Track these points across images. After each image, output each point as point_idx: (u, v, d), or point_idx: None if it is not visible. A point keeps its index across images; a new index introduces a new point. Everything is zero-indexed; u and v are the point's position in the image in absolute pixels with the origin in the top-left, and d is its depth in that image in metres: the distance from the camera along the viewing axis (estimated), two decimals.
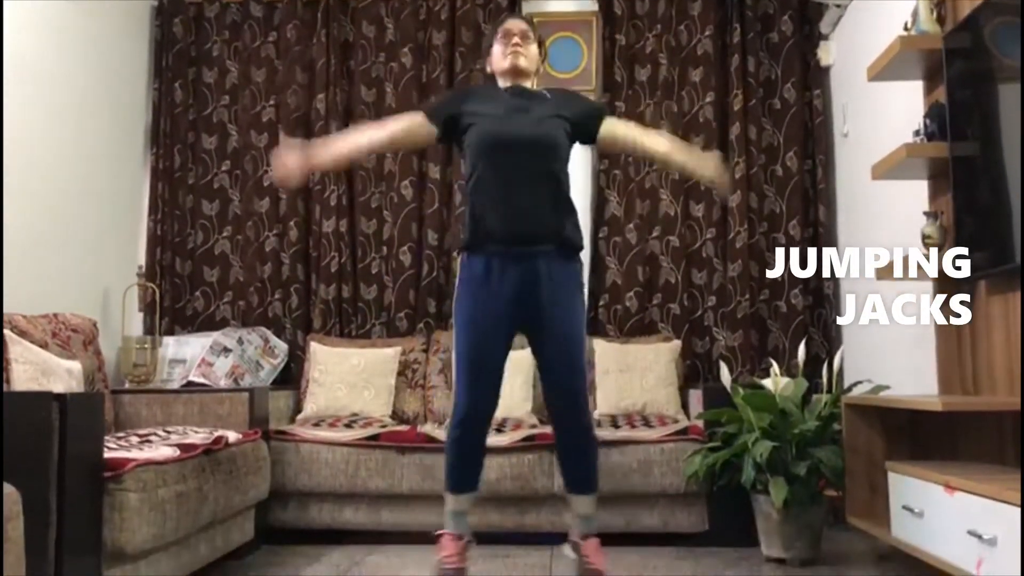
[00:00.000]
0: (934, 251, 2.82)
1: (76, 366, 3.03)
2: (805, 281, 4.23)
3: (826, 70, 4.33)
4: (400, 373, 4.12)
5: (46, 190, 3.58)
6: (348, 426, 3.74)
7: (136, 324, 4.29)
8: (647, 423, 3.67)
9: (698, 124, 4.34)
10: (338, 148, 2.76)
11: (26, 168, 3.42)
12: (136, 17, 4.46)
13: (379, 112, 4.45)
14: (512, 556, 3.30)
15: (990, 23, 2.48)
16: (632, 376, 3.92)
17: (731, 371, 4.08)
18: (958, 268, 2.64)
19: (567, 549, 2.70)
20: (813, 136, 4.31)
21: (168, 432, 3.02)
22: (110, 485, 2.31)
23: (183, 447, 2.69)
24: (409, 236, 4.38)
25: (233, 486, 2.97)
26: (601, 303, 4.30)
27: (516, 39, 2.72)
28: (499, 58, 2.74)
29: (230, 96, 4.54)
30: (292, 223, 4.41)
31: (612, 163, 4.36)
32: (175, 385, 3.92)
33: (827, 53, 4.27)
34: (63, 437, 2.12)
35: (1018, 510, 1.90)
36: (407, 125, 2.77)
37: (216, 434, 2.98)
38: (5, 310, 3.02)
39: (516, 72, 2.73)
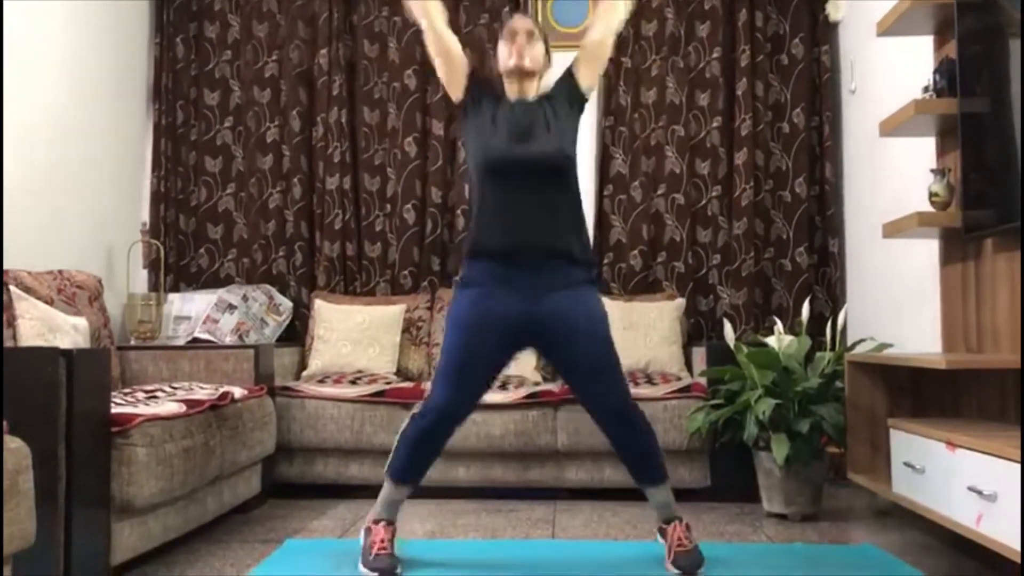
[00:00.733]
0: (941, 209, 2.81)
1: (82, 322, 3.04)
2: (810, 239, 4.22)
3: (834, 25, 4.28)
4: (405, 330, 4.13)
5: (48, 147, 3.57)
6: (353, 383, 3.76)
7: (141, 281, 4.30)
8: (650, 381, 3.69)
9: (704, 80, 4.30)
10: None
11: (28, 125, 3.41)
12: None
13: (382, 67, 4.41)
14: (516, 511, 3.34)
15: None
16: (636, 334, 3.93)
17: (735, 329, 4.09)
18: (965, 226, 2.63)
19: (658, 538, 2.63)
20: (820, 93, 4.27)
21: (174, 388, 3.04)
22: (118, 440, 2.33)
23: (189, 403, 2.71)
24: (413, 193, 4.36)
25: (239, 441, 3.00)
26: (606, 261, 4.29)
27: (521, 38, 2.62)
28: (504, 58, 2.64)
29: (232, 51, 4.50)
30: (296, 180, 4.39)
31: (617, 120, 4.33)
32: (180, 342, 3.94)
33: (836, 8, 4.21)
34: (70, 392, 2.13)
35: (1017, 465, 1.92)
36: (456, 52, 2.64)
37: (222, 390, 3.00)
38: (11, 267, 3.03)
39: (521, 73, 2.62)
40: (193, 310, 4.07)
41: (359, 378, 3.84)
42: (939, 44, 3.01)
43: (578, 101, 2.67)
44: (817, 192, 4.26)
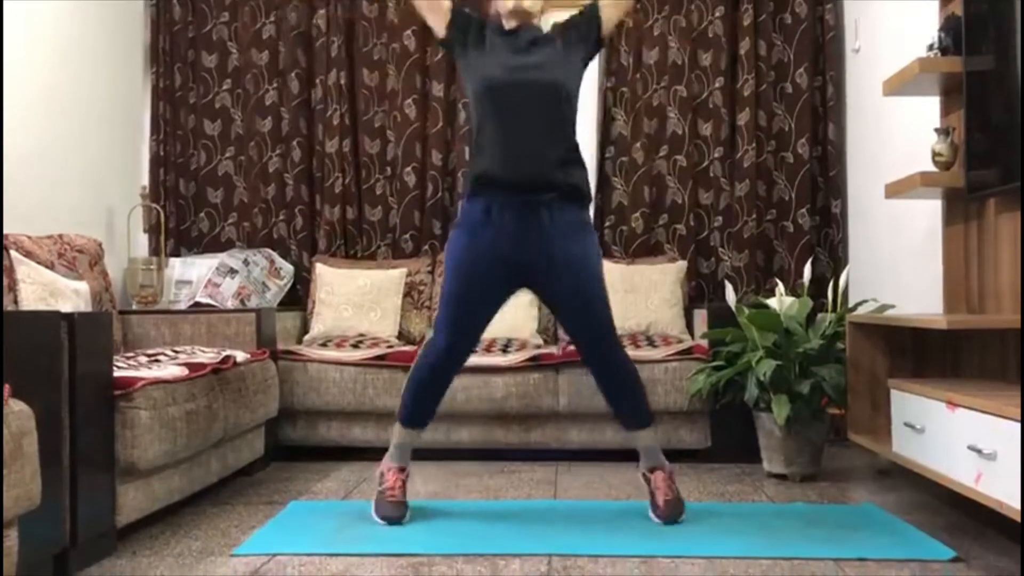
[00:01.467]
0: (944, 169, 2.79)
1: (83, 286, 3.04)
2: (812, 200, 4.20)
3: None
4: (406, 294, 4.14)
5: (46, 110, 3.55)
6: (355, 346, 3.77)
7: (141, 246, 4.29)
8: (651, 343, 3.70)
9: (707, 40, 4.25)
10: None
11: (24, 89, 3.38)
12: None
13: (380, 28, 4.37)
14: (518, 472, 3.36)
15: None
16: (637, 297, 3.93)
17: (736, 291, 4.09)
18: (968, 185, 2.62)
19: (641, 479, 2.67)
20: (824, 52, 4.23)
21: (176, 352, 3.05)
22: (121, 403, 2.34)
23: (192, 366, 2.72)
24: (413, 156, 4.34)
25: (242, 404, 3.01)
26: (607, 224, 4.28)
27: None
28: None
29: (229, 12, 4.45)
30: (295, 143, 4.37)
31: (619, 81, 4.29)
32: (182, 306, 3.94)
33: None
34: (72, 356, 2.14)
35: (1017, 424, 1.92)
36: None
37: (224, 354, 3.01)
38: (10, 231, 3.02)
39: (520, 14, 2.61)
40: (194, 274, 4.07)
41: (361, 342, 3.85)
42: (944, 1, 2.97)
43: (593, 40, 2.65)
44: (820, 153, 4.23)
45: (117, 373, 2.40)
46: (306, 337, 4.01)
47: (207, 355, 2.98)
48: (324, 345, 3.80)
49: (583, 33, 2.64)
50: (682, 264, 4.07)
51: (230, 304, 3.91)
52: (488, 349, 3.60)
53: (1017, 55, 2.34)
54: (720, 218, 4.23)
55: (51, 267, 3.02)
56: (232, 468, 3.07)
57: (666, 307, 3.93)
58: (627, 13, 2.72)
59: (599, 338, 2.56)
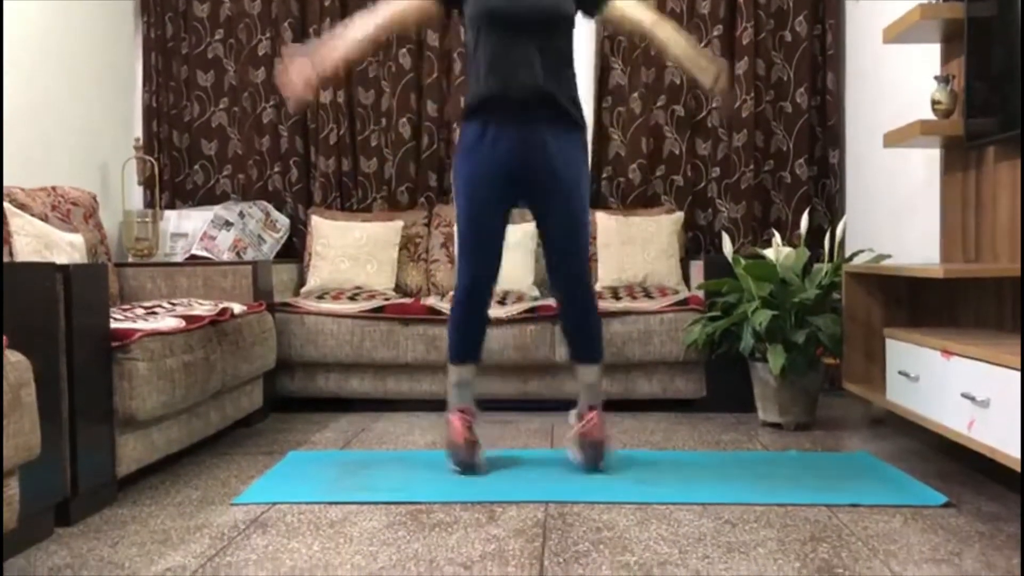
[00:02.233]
0: (943, 117, 2.77)
1: (78, 239, 3.03)
2: (810, 151, 4.18)
3: None
4: (402, 247, 4.13)
5: (36, 61, 3.50)
6: (352, 299, 3.77)
7: (136, 198, 4.27)
8: (648, 294, 3.70)
9: None
10: (346, 46, 2.56)
11: (14, 40, 3.33)
12: None
13: None
14: (515, 422, 3.39)
15: None
16: (634, 248, 3.93)
17: (733, 242, 4.09)
18: (967, 133, 2.60)
19: (571, 418, 2.74)
20: (824, 0, 4.17)
21: (173, 304, 3.05)
22: (118, 355, 2.35)
23: (189, 318, 2.72)
24: (408, 107, 4.30)
25: (240, 356, 3.02)
26: (604, 175, 4.26)
27: None
28: None
29: None
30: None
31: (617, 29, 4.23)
32: (178, 259, 3.93)
33: None
34: (69, 308, 2.14)
35: (1013, 372, 1.93)
36: (414, 6, 2.61)
37: (221, 306, 3.01)
38: (3, 184, 3.00)
39: None
40: (189, 227, 4.05)
41: (358, 294, 3.86)
42: None
43: (586, 7, 2.64)
44: (818, 102, 4.20)
45: (114, 325, 2.40)
46: (303, 289, 4.01)
47: (204, 307, 2.98)
48: (321, 298, 3.81)
49: None
50: (679, 215, 4.06)
51: (226, 257, 3.90)
52: None
53: (1019, 1, 2.31)
54: (717, 169, 4.21)
55: (45, 219, 3.00)
56: (231, 419, 3.09)
57: (663, 258, 3.92)
58: (624, 28, 2.73)
59: (574, 259, 2.61)
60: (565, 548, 1.95)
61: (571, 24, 2.61)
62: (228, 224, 4.02)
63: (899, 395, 2.58)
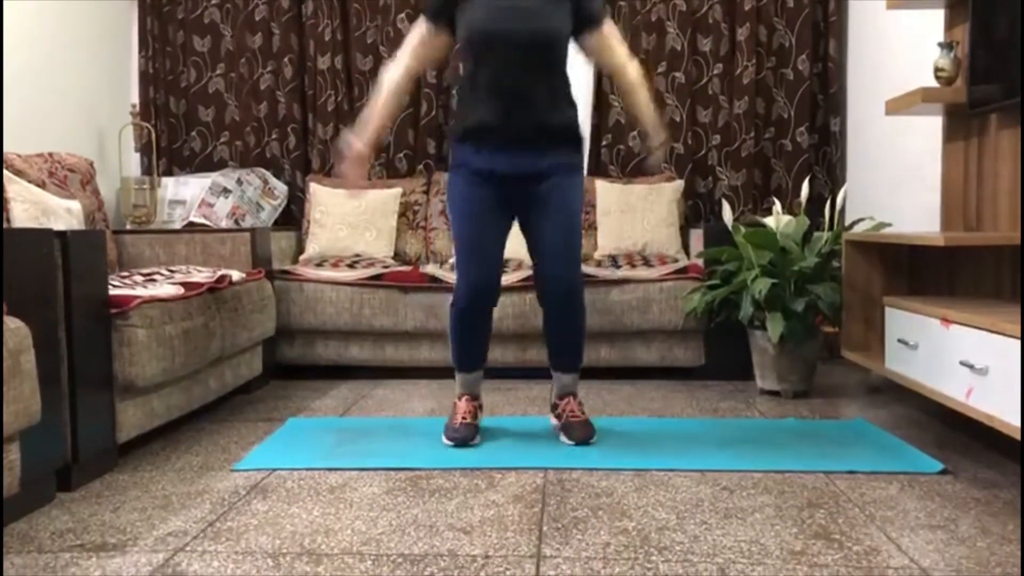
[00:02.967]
0: (946, 84, 2.75)
1: (76, 205, 3.02)
2: (811, 118, 4.15)
3: None
4: (401, 214, 4.12)
5: (31, 26, 3.46)
6: (351, 266, 3.76)
7: (133, 165, 4.25)
8: (647, 262, 3.70)
9: None
10: (381, 115, 2.57)
11: (9, 5, 3.29)
12: None
13: None
14: (514, 389, 3.40)
15: None
16: (633, 216, 3.92)
17: (733, 210, 4.08)
18: (970, 101, 2.58)
19: (551, 419, 2.72)
20: None
21: (172, 271, 3.05)
22: (117, 321, 2.35)
23: (188, 285, 2.72)
24: None
25: (239, 323, 3.02)
26: (604, 143, 4.24)
27: None
28: None
29: None
30: (286, 60, 4.29)
31: None
32: (176, 226, 3.92)
33: None
34: (67, 274, 2.13)
35: (1012, 340, 1.93)
36: (419, 44, 2.58)
37: (220, 273, 3.00)
38: None
39: None
40: (187, 194, 4.03)
41: (357, 262, 3.85)
42: None
43: (577, 23, 2.55)
44: (820, 69, 4.17)
45: (113, 292, 2.40)
46: (302, 257, 4.00)
47: (203, 274, 2.98)
48: (320, 265, 3.80)
49: (577, 10, 2.54)
50: (679, 183, 4.04)
51: (224, 224, 3.89)
52: None
53: None
54: (718, 136, 4.19)
55: (42, 186, 2.99)
56: (231, 386, 3.10)
57: (662, 226, 3.91)
58: (596, 60, 2.70)
59: (564, 279, 2.55)
60: (564, 514, 1.96)
61: (565, 41, 2.53)
62: (226, 191, 4.00)
63: (898, 363, 2.58)
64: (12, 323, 1.84)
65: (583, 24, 2.56)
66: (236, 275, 3.11)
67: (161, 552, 1.76)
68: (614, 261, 3.77)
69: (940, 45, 2.77)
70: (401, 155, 4.29)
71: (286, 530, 1.88)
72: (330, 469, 2.33)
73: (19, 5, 3.38)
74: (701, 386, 3.44)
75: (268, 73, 4.32)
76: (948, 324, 2.25)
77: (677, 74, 4.18)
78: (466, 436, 2.56)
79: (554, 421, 2.71)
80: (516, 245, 3.85)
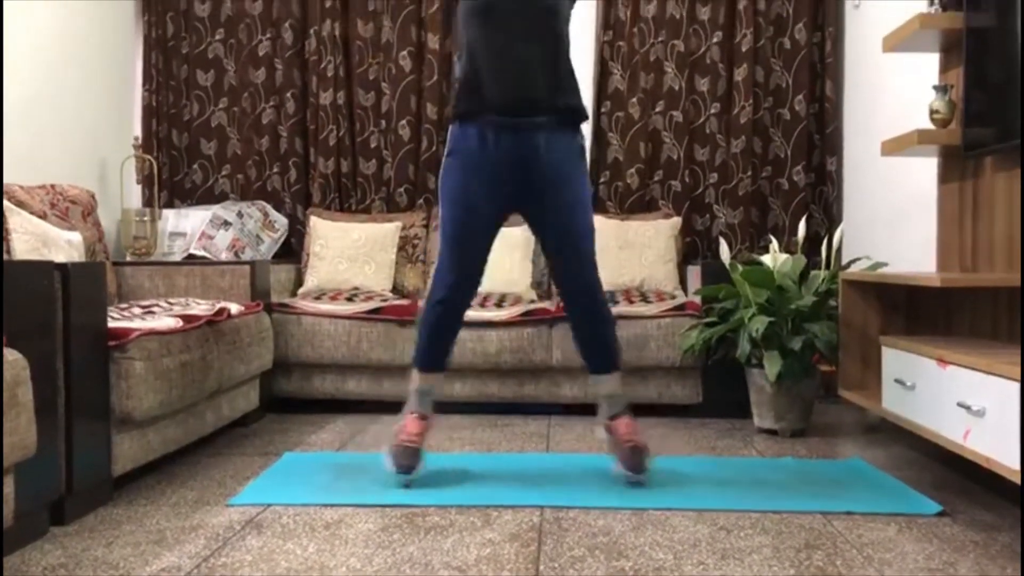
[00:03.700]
0: (941, 127, 2.78)
1: (76, 237, 3.03)
2: (808, 158, 4.19)
3: None
4: (401, 248, 4.13)
5: (37, 59, 3.50)
6: (349, 300, 3.77)
7: (135, 197, 4.27)
8: (645, 299, 3.71)
9: None
10: None
11: (15, 37, 3.33)
12: None
13: None
14: (511, 425, 3.39)
15: None
16: (631, 252, 3.94)
17: (730, 248, 4.09)
18: (965, 143, 2.61)
19: (599, 432, 2.63)
20: (823, 7, 4.18)
21: (171, 303, 3.05)
22: (115, 354, 2.35)
23: (186, 318, 2.72)
24: (408, 109, 4.30)
25: (237, 356, 3.02)
26: (602, 179, 4.27)
27: None
28: None
29: None
30: (289, 95, 4.33)
31: (616, 35, 4.25)
32: (176, 258, 3.93)
33: None
34: (66, 306, 2.14)
35: (1008, 382, 1.94)
36: None
37: (219, 306, 3.01)
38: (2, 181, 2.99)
39: None
40: (188, 226, 4.05)
41: (355, 295, 3.86)
42: None
43: None
44: (817, 110, 4.21)
45: (111, 324, 2.40)
46: (300, 290, 4.01)
47: (201, 307, 2.98)
48: (318, 298, 3.81)
49: None
50: (677, 220, 4.06)
51: (224, 256, 3.90)
52: (483, 304, 3.61)
53: (1018, 12, 2.32)
54: (715, 175, 4.22)
55: (44, 217, 3.00)
56: (227, 419, 3.09)
57: (660, 263, 3.93)
58: None
59: (580, 268, 2.51)
60: (560, 553, 1.95)
61: (567, 19, 2.54)
62: (226, 224, 4.02)
63: (895, 403, 2.58)
64: (10, 355, 1.84)
65: None
66: (235, 308, 3.12)
67: None
68: (612, 297, 3.78)
69: (935, 88, 2.80)
70: (401, 189, 4.32)
71: (280, 567, 1.86)
72: (326, 505, 2.32)
73: (27, 38, 3.42)
74: (699, 424, 3.44)
75: (270, 107, 4.36)
76: (944, 365, 2.25)
77: (675, 113, 4.22)
78: (411, 464, 2.47)
79: (602, 435, 2.60)
80: (516, 276, 3.88)
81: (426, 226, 4.20)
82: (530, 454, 2.92)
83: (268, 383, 3.57)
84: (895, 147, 2.89)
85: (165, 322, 2.60)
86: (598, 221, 3.99)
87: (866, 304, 3.00)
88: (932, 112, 2.79)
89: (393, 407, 3.64)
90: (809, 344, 3.12)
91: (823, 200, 4.20)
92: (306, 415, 3.58)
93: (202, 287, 3.46)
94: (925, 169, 3.16)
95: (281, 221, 4.26)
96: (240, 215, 4.08)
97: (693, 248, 4.26)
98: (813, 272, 3.33)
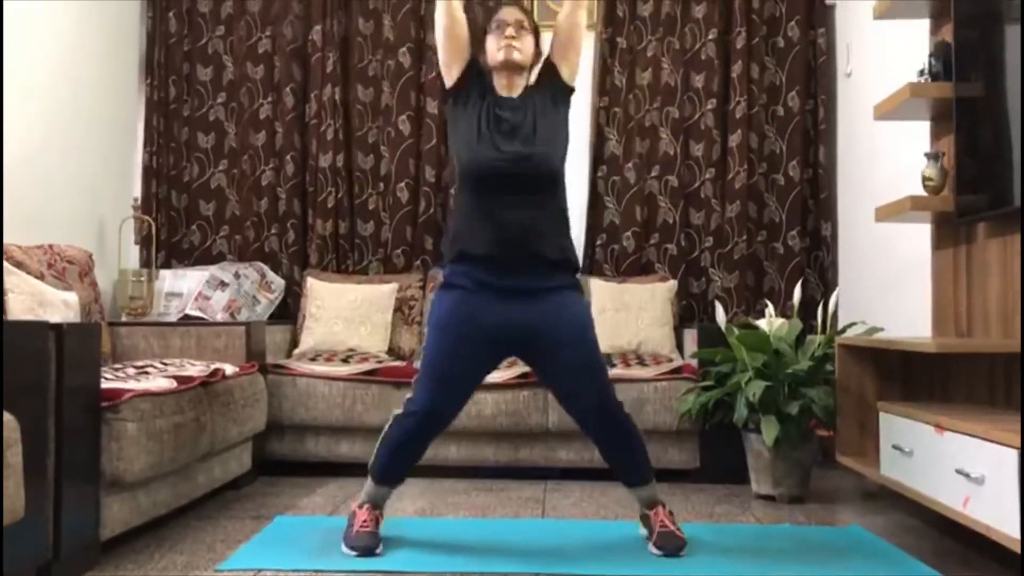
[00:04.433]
0: (934, 193, 2.81)
1: (72, 297, 3.03)
2: (803, 223, 4.22)
3: (831, 8, 4.27)
4: (397, 309, 4.13)
5: (40, 120, 3.54)
6: (344, 361, 3.76)
7: (132, 257, 4.28)
8: (641, 362, 3.70)
9: (700, 61, 4.29)
10: None
11: (19, 98, 3.37)
12: None
13: (376, 45, 4.39)
14: (507, 490, 3.35)
15: None
16: (628, 315, 3.94)
17: (726, 312, 4.10)
18: (958, 210, 2.64)
19: (640, 528, 2.57)
20: (816, 76, 4.26)
21: (165, 364, 3.04)
22: (108, 415, 2.33)
23: (180, 379, 2.71)
24: (407, 172, 4.35)
25: (230, 418, 3.00)
26: (599, 242, 4.29)
27: (510, 30, 2.51)
28: (492, 52, 2.54)
29: (225, 26, 4.46)
30: (288, 157, 4.37)
31: (612, 101, 4.31)
32: (172, 318, 3.93)
33: None
34: (60, 367, 2.13)
35: (1007, 450, 1.93)
36: (464, 32, 2.53)
37: (213, 367, 3.00)
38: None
39: (511, 67, 2.52)
40: (184, 287, 4.05)
41: (350, 356, 3.84)
42: (935, 28, 3.01)
43: (563, 94, 2.58)
44: (811, 175, 4.26)
45: (105, 385, 2.39)
46: (295, 351, 3.99)
47: (196, 368, 2.97)
48: (313, 359, 3.79)
49: (551, 94, 2.55)
50: (672, 283, 4.08)
51: (220, 317, 3.90)
52: None
53: (1007, 82, 2.37)
54: (711, 238, 4.25)
55: (41, 277, 3.00)
56: (219, 482, 3.05)
57: (656, 326, 3.93)
58: (577, 41, 2.59)
59: (600, 405, 2.47)
60: None
61: (562, 169, 2.52)
62: (223, 284, 4.02)
63: (893, 469, 2.56)
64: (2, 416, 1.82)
65: (560, 88, 2.56)
66: (229, 369, 3.10)
67: None
68: (609, 360, 3.77)
69: (927, 155, 2.84)
70: (399, 251, 4.34)
71: None
72: (317, 571, 2.28)
73: (31, 98, 3.46)
74: (696, 489, 3.40)
75: (270, 169, 4.40)
76: (942, 431, 2.24)
77: (670, 178, 4.27)
78: (369, 545, 2.40)
79: (642, 531, 2.56)
80: None
81: (423, 287, 4.21)
82: (525, 520, 2.88)
83: (261, 445, 3.53)
84: (889, 213, 2.92)
85: (159, 383, 2.59)
86: (595, 284, 4.04)
87: (862, 369, 3.00)
88: (925, 179, 2.83)
89: None
90: (806, 409, 3.10)
91: (818, 264, 4.22)
92: (298, 478, 3.54)
93: (197, 348, 3.45)
94: (919, 234, 3.19)
95: (278, 282, 4.26)
96: (237, 276, 4.09)
97: (689, 311, 4.27)
98: (809, 336, 3.33)
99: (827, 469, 3.72)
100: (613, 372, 3.51)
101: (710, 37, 4.27)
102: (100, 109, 4.05)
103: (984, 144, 2.53)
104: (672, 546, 2.43)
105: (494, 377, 3.48)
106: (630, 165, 4.28)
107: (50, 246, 3.23)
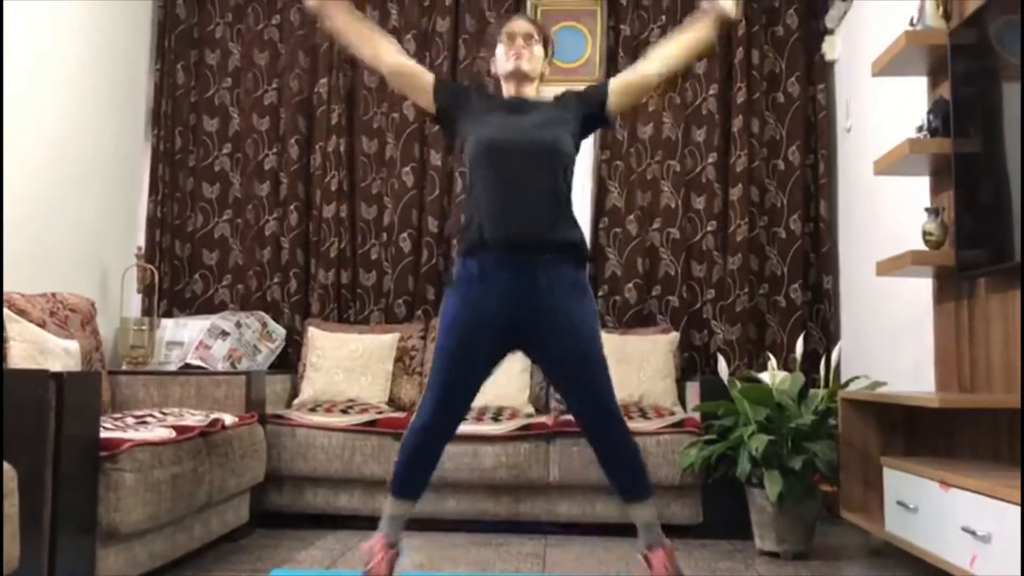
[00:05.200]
0: (934, 248, 2.82)
1: (74, 346, 3.03)
2: (804, 276, 4.23)
3: (830, 65, 4.33)
4: (398, 359, 4.12)
5: (46, 169, 3.57)
6: (344, 411, 3.74)
7: (134, 306, 4.29)
8: (644, 414, 3.68)
9: (701, 116, 4.34)
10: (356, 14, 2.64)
11: (26, 148, 3.41)
12: None
13: (381, 97, 4.44)
14: (506, 544, 3.31)
15: (996, 20, 2.47)
16: (629, 367, 3.92)
17: (728, 364, 4.08)
18: (958, 265, 2.64)
19: (640, 562, 2.50)
20: (816, 131, 4.31)
21: (165, 414, 3.02)
22: (106, 464, 2.31)
23: (179, 429, 2.69)
24: (409, 223, 4.37)
25: (229, 469, 2.97)
26: (600, 294, 4.30)
27: (520, 41, 2.57)
28: (502, 61, 2.60)
29: (232, 79, 4.52)
30: (292, 207, 4.40)
31: (613, 154, 4.36)
32: (172, 367, 3.92)
33: (832, 48, 4.26)
34: (59, 416, 2.12)
35: (1012, 507, 1.91)
36: (415, 71, 2.63)
37: (212, 417, 2.98)
38: (4, 289, 3.01)
39: (520, 76, 2.58)
40: (186, 336, 4.05)
41: (351, 407, 3.83)
42: (933, 85, 3.05)
43: (595, 118, 2.62)
44: (812, 229, 4.28)
45: (104, 434, 2.37)
46: (295, 401, 3.98)
47: (195, 418, 2.95)
48: (313, 410, 3.77)
49: (586, 104, 2.60)
50: (675, 336, 4.07)
51: (220, 366, 3.89)
52: (478, 418, 3.58)
53: (1005, 138, 2.39)
54: (713, 291, 4.25)
55: (42, 325, 3.01)
56: (216, 533, 3.01)
57: (658, 378, 3.92)
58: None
59: (598, 404, 2.47)
60: None
61: (571, 155, 2.55)
62: (224, 334, 4.02)
63: (898, 526, 2.53)
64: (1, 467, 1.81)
65: (602, 118, 2.62)
66: (229, 419, 3.09)
67: None
68: None
69: (927, 210, 2.86)
70: (400, 301, 4.34)
71: None
72: None
73: (36, 146, 3.50)
74: (699, 545, 3.35)
75: (273, 219, 4.43)
76: (947, 487, 2.22)
77: (672, 230, 4.29)
78: None
79: (644, 572, 2.48)
80: (513, 391, 3.85)
81: (424, 337, 4.20)
82: (526, 574, 2.84)
83: (259, 496, 3.50)
84: (890, 267, 2.93)
85: (158, 433, 2.57)
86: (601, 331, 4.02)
87: (865, 423, 2.98)
88: (925, 234, 2.84)
89: None
90: (809, 463, 3.08)
91: (820, 318, 4.22)
92: (296, 530, 3.50)
93: (197, 397, 3.43)
94: (921, 288, 3.19)
95: (279, 332, 4.26)
96: (238, 325, 4.09)
97: (691, 363, 4.25)
98: (812, 390, 3.31)
99: (831, 525, 3.68)
100: None
101: (711, 92, 4.32)
102: (105, 158, 4.09)
103: (983, 199, 2.54)
104: None
105: (495, 429, 3.47)
106: (632, 217, 4.31)
107: (53, 294, 3.24)
